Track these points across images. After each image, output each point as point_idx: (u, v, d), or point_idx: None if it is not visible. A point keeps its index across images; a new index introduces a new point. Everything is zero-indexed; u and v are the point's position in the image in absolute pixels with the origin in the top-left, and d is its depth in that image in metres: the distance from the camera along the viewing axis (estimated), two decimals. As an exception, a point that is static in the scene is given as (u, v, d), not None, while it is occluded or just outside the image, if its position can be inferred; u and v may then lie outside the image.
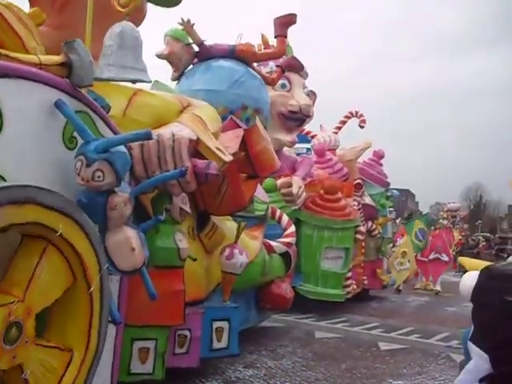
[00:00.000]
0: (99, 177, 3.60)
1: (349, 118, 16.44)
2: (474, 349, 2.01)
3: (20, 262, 3.45)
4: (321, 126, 16.27)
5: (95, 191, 3.71)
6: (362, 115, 16.28)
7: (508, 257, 15.36)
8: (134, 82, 4.46)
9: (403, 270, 17.94)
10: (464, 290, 2.21)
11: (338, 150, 14.92)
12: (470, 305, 10.76)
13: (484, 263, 2.21)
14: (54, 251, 3.57)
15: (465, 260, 2.49)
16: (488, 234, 35.65)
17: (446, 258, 18.79)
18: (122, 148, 3.79)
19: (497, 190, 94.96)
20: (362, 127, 16.28)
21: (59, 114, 3.63)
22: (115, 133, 4.12)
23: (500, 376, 1.83)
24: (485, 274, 2.10)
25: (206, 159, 5.02)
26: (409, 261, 18.05)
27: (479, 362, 1.98)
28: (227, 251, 6.25)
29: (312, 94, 13.42)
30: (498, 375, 1.85)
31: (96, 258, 3.79)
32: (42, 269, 3.47)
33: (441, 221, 25.19)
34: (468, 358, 5.79)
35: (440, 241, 19.10)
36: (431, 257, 18.65)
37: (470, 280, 2.15)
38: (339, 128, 16.44)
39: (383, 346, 9.15)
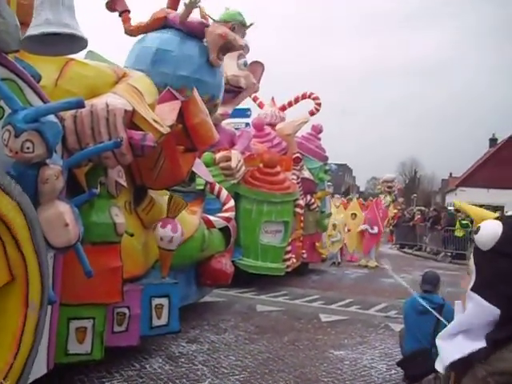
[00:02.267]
0: (29, 148, 3.41)
1: (303, 98, 16.26)
2: (476, 298, 1.92)
3: None
4: (272, 98, 16.16)
5: (25, 164, 3.51)
6: (316, 97, 16.13)
7: (441, 229, 15.60)
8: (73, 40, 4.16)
9: (335, 241, 18.20)
10: (485, 239, 2.13)
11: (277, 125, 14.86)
12: (408, 276, 10.99)
13: (489, 213, 2.17)
14: None
15: (466, 207, 2.41)
16: (423, 208, 36.45)
17: (375, 231, 18.87)
18: (53, 117, 3.60)
19: (430, 165, 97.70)
20: (317, 110, 16.09)
21: (-17, 82, 3.41)
22: (45, 102, 3.90)
23: (507, 339, 1.78)
24: (509, 224, 2.05)
25: (143, 131, 4.85)
26: (340, 232, 18.31)
27: (481, 312, 1.90)
28: (156, 224, 6.11)
29: (257, 65, 13.14)
30: (505, 337, 1.80)
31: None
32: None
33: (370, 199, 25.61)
34: (409, 325, 5.87)
35: (370, 213, 19.25)
36: (362, 227, 18.84)
37: (491, 229, 2.08)
38: (289, 105, 16.30)
39: (324, 317, 9.23)
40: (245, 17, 11.18)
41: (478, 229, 2.16)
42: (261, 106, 15.96)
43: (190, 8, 9.27)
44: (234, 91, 11.84)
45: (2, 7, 3.48)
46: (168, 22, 9.52)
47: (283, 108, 16.00)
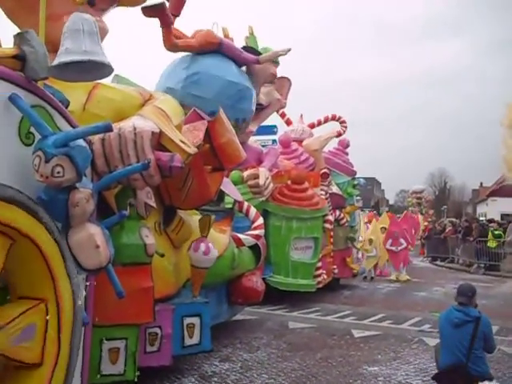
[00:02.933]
0: (59, 172, 3.45)
1: (332, 119, 16.43)
2: None
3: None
4: (301, 115, 16.26)
5: (56, 188, 3.57)
6: (344, 121, 16.29)
7: (473, 241, 15.36)
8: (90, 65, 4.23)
9: (370, 257, 18.04)
10: None
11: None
12: (441, 289, 10.90)
13: None
14: None
15: None
16: (454, 219, 35.99)
17: (403, 244, 18.41)
18: (82, 142, 3.66)
19: (460, 175, 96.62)
20: (344, 132, 16.21)
21: (14, 109, 3.47)
22: (74, 127, 3.96)
23: None
24: None
25: (170, 152, 4.89)
26: (376, 248, 18.11)
27: None
28: (195, 245, 6.14)
29: (284, 81, 13.17)
30: None
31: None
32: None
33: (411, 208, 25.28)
34: (445, 338, 5.79)
35: (396, 227, 18.82)
36: (388, 246, 18.36)
37: None
38: (318, 123, 16.46)
39: (357, 333, 9.15)
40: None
41: None
42: (288, 122, 16.01)
43: (278, 55, 10.36)
44: (256, 108, 11.90)
45: (31, 37, 3.56)
46: (222, 48, 9.70)
47: (312, 126, 16.14)
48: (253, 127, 11.51)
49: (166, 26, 9.07)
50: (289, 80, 13.45)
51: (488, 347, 5.64)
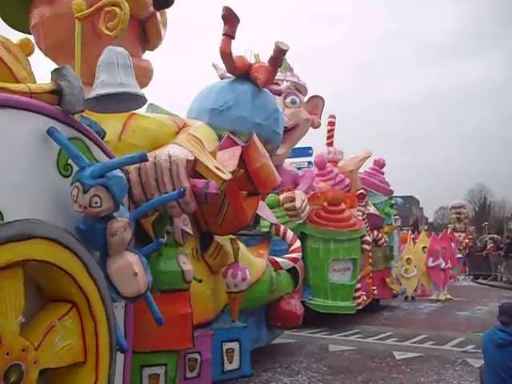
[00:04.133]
0: (96, 202, 3.53)
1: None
2: None
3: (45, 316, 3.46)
4: None
5: (94, 218, 3.64)
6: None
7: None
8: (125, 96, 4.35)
9: (412, 277, 17.74)
10: None
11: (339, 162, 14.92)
12: (484, 308, 10.71)
13: None
14: (75, 317, 3.57)
15: None
16: (495, 236, 35.26)
17: (442, 263, 18.24)
18: (119, 172, 3.73)
19: (500, 190, 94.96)
20: None
21: (52, 142, 3.57)
22: (110, 158, 4.05)
23: None
24: None
25: (205, 179, 4.95)
26: (415, 266, 17.81)
27: None
28: (232, 272, 6.16)
29: (317, 100, 13.23)
30: None
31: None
32: (59, 329, 3.45)
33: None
34: (489, 359, 5.67)
35: (437, 244, 18.63)
36: (430, 264, 18.17)
37: None
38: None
39: (398, 355, 9.03)
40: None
41: None
42: (330, 144, 16.05)
43: None
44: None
45: (68, 72, 3.68)
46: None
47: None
48: (280, 151, 11.49)
49: (277, 68, 10.03)
50: (322, 99, 13.47)
51: (535, 368, 5.50)
